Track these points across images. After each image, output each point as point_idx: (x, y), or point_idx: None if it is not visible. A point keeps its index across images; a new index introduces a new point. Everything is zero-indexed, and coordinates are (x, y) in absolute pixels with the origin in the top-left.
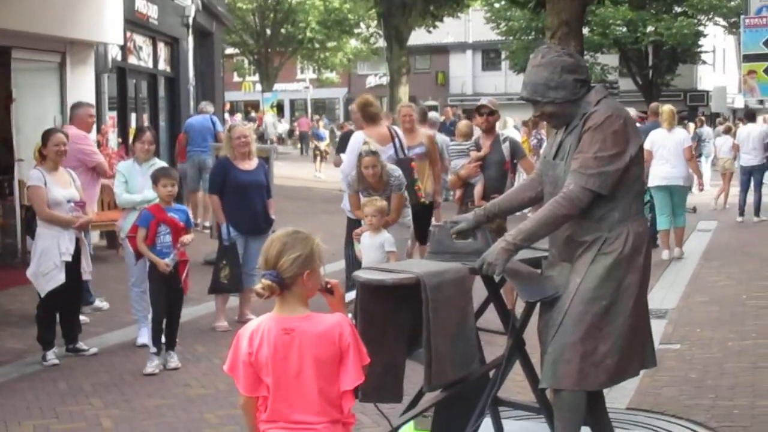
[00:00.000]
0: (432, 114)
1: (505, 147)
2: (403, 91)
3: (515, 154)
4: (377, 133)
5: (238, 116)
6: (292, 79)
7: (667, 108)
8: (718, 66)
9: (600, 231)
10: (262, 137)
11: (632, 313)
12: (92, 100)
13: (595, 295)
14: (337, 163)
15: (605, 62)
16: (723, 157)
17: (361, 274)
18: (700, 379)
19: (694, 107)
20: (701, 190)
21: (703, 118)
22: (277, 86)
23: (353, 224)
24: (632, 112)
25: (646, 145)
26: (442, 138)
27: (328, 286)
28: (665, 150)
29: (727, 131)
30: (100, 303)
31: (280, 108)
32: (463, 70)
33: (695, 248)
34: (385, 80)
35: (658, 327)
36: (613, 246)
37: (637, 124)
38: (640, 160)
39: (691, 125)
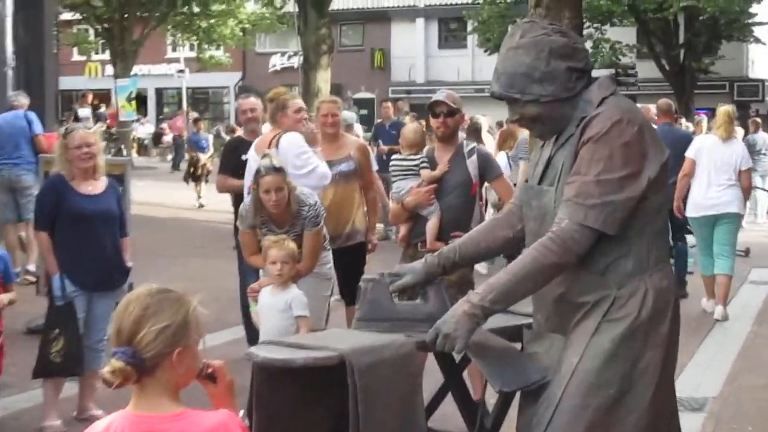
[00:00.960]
0: (347, 115)
1: (472, 163)
2: (323, 79)
3: (486, 173)
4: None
5: (84, 111)
6: (160, 60)
7: (723, 110)
8: None
9: (606, 288)
10: (117, 149)
11: (652, 405)
12: None
13: (599, 381)
14: (224, 188)
15: (617, 38)
16: None
17: (258, 352)
18: None
19: (743, 104)
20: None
21: (758, 119)
22: (137, 69)
23: (249, 273)
24: (652, 111)
25: (690, 154)
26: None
27: (210, 370)
28: (713, 166)
29: None
30: None
31: (141, 101)
32: (411, 48)
33: (746, 307)
34: (296, 62)
35: (692, 424)
36: (625, 309)
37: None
38: (663, 184)
39: (740, 130)
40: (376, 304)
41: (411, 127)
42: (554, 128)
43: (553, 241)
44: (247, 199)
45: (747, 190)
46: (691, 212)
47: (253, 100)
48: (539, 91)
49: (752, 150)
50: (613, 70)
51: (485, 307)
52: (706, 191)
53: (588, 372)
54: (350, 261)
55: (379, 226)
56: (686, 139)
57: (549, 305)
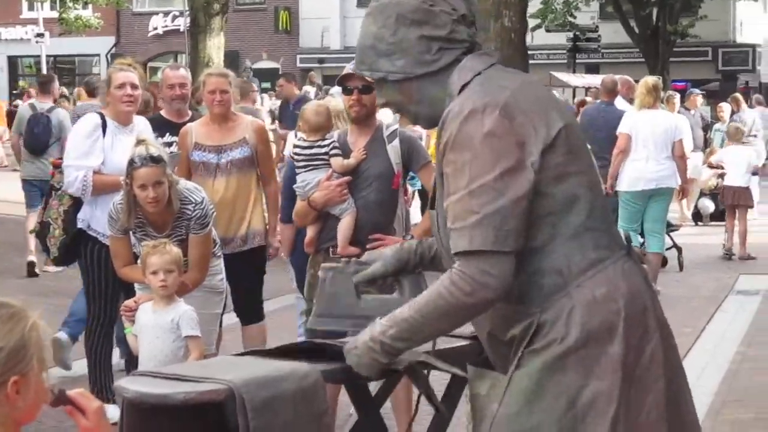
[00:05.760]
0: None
1: (393, 149)
2: (216, 45)
3: (411, 161)
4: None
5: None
6: (13, 21)
7: (643, 80)
8: None
9: (529, 315)
10: None
11: None
12: None
13: (526, 427)
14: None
15: None
16: None
17: (129, 385)
18: None
19: (730, 74)
20: (682, 199)
21: (738, 96)
22: None
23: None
24: (631, 83)
25: (623, 129)
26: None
27: (67, 396)
28: (651, 141)
29: None
30: None
31: None
32: (323, 6)
33: (732, 323)
34: (182, 24)
35: None
36: (549, 336)
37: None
38: (567, 169)
39: (725, 107)
40: (336, 297)
41: (312, 106)
42: (429, 115)
43: (461, 277)
44: (119, 197)
45: (682, 159)
46: (625, 186)
47: (183, 73)
48: (387, 66)
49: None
50: (571, 34)
51: (384, 343)
52: (645, 165)
53: (510, 418)
54: (246, 269)
55: None
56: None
57: (485, 343)
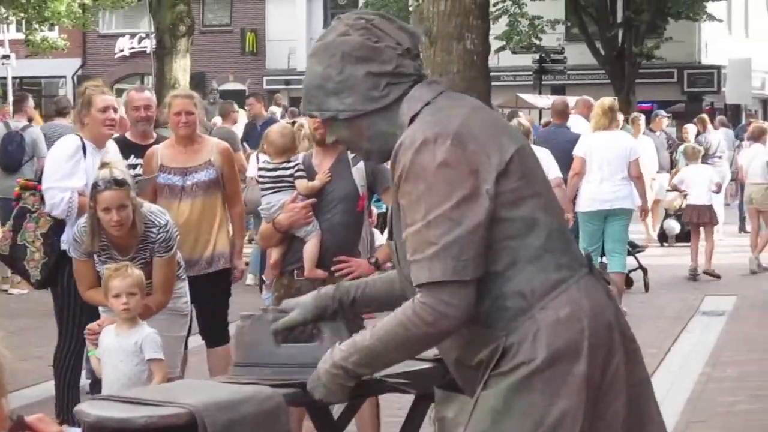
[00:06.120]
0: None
1: (358, 171)
2: (182, 67)
3: (376, 183)
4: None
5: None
6: None
7: (599, 102)
8: (737, 25)
9: (495, 339)
10: None
11: None
12: None
13: None
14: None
15: (539, 14)
16: (753, 182)
17: (89, 409)
18: None
19: (695, 95)
20: (644, 219)
21: (705, 116)
22: None
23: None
24: (592, 102)
25: (578, 152)
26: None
27: (26, 423)
28: (605, 162)
29: (759, 137)
30: None
31: None
32: (290, 28)
33: (698, 344)
34: (149, 46)
35: None
36: (516, 359)
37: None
38: (523, 193)
39: (690, 129)
40: (255, 346)
41: (278, 128)
42: (381, 150)
43: (422, 308)
44: (83, 219)
45: (638, 179)
46: (582, 207)
47: (148, 95)
48: (336, 105)
49: (705, 153)
50: (537, 56)
51: (348, 369)
52: (599, 186)
53: None
54: (212, 292)
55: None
56: (576, 143)
57: (453, 369)
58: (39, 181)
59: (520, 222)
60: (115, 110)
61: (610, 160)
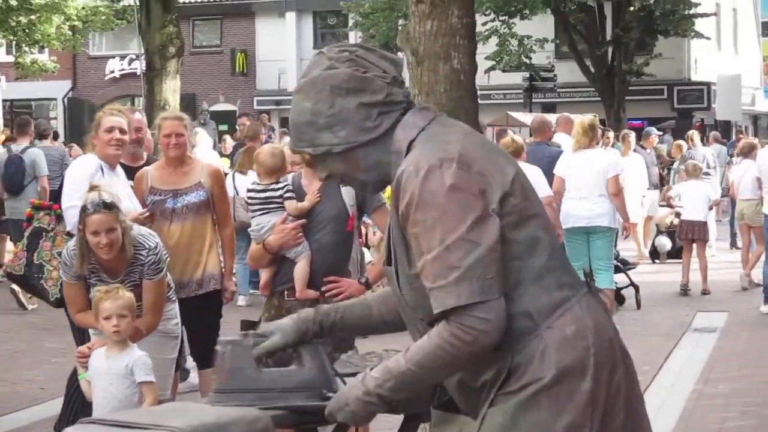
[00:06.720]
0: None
1: (347, 191)
2: (172, 88)
3: (365, 203)
4: None
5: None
6: None
7: (579, 121)
8: (726, 41)
9: (501, 359)
10: None
11: None
12: None
13: None
14: None
15: (528, 33)
16: (744, 198)
17: None
18: None
19: (685, 112)
20: (626, 237)
21: (695, 132)
22: None
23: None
24: (572, 120)
25: (557, 172)
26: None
27: None
28: (583, 181)
29: (748, 153)
30: None
31: None
32: (280, 49)
33: (689, 361)
34: (139, 68)
35: None
36: (525, 378)
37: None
38: (522, 213)
39: (680, 144)
40: (236, 371)
41: (268, 149)
42: (377, 180)
43: (461, 329)
44: (72, 242)
45: (616, 196)
46: (563, 225)
47: (139, 117)
48: (330, 139)
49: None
50: (527, 74)
51: (383, 396)
52: (578, 203)
53: None
54: (202, 313)
55: None
56: (555, 158)
57: (454, 391)
58: (52, 200)
59: (523, 242)
60: (122, 131)
61: (588, 179)
